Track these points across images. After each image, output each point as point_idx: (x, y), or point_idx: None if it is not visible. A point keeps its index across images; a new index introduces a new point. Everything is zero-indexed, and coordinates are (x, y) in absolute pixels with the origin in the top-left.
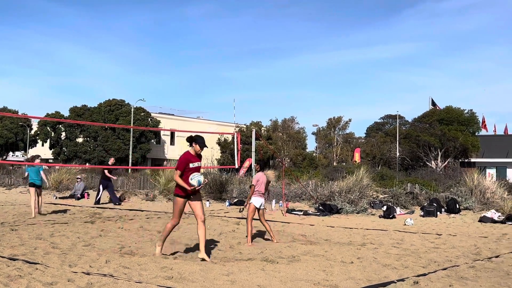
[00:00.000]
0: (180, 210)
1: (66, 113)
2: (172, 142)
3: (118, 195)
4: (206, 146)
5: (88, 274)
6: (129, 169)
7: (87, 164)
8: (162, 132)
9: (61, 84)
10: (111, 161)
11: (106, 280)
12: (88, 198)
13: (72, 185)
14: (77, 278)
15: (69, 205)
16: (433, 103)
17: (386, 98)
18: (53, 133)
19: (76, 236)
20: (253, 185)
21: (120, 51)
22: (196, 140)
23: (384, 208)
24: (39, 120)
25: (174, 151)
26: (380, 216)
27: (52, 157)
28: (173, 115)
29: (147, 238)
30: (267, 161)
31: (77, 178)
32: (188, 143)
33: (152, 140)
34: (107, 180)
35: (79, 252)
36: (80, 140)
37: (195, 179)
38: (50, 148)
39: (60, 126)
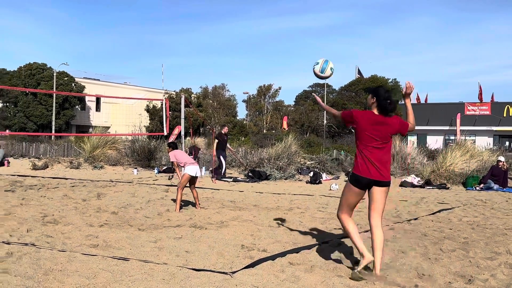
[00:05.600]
0: None
1: None
2: (98, 108)
3: (41, 163)
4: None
5: (8, 243)
6: (52, 136)
7: (7, 131)
8: (87, 98)
9: None
10: (225, 130)
11: (27, 249)
12: (8, 165)
13: None
14: None
15: None
16: (359, 73)
17: None
18: None
19: None
20: (172, 161)
21: (42, 11)
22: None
23: (311, 174)
24: None
25: (100, 118)
26: (307, 182)
27: None
28: (98, 80)
29: (71, 207)
30: (197, 129)
31: None
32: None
33: (77, 106)
34: (224, 151)
35: None
36: None
37: None
38: None
39: None
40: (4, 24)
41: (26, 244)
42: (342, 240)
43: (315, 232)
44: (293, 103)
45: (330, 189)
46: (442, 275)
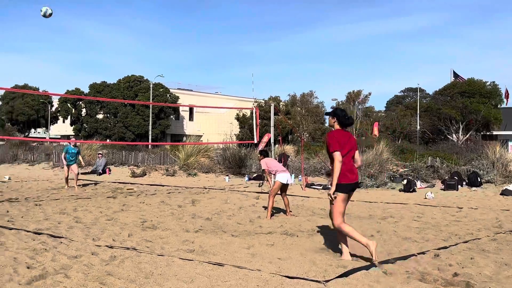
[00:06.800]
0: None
1: (86, 90)
2: (191, 117)
3: (139, 171)
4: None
5: (111, 247)
6: (149, 145)
7: (108, 140)
8: (181, 108)
9: (80, 61)
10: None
11: (129, 253)
12: (109, 173)
13: (93, 161)
14: (101, 251)
15: (91, 181)
16: (456, 75)
17: (407, 70)
18: (73, 109)
19: (99, 211)
20: (264, 169)
21: (138, 25)
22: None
23: (404, 181)
24: (59, 97)
25: (193, 127)
26: (400, 190)
27: (73, 134)
28: (191, 90)
29: (168, 213)
30: (286, 136)
31: (99, 154)
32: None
33: (171, 116)
34: None
35: (102, 226)
36: (100, 116)
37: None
38: (71, 125)
39: (81, 102)
40: (105, 39)
41: (128, 248)
42: (439, 251)
43: (410, 242)
44: (384, 108)
45: (425, 198)
46: None
